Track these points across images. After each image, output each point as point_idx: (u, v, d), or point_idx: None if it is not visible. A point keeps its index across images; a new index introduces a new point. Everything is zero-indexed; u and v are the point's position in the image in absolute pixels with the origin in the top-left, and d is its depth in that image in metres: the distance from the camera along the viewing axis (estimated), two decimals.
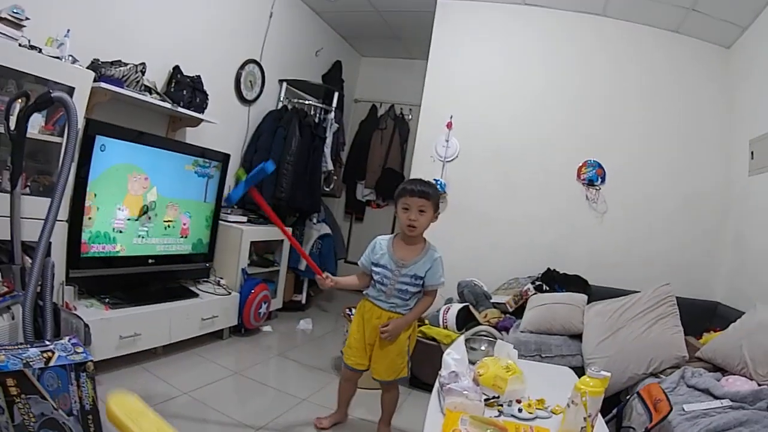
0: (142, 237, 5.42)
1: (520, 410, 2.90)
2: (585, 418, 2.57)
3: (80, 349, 3.01)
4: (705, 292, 5.91)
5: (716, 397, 3.55)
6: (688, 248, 6.30)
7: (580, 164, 6.62)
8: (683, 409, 3.41)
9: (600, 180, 6.52)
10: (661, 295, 4.94)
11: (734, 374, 3.94)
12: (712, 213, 6.26)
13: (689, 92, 6.39)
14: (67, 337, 3.12)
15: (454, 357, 3.21)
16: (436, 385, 3.15)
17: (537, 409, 2.96)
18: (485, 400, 2.95)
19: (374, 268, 4.10)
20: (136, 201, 5.18)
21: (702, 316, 5.41)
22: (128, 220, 5.21)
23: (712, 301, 5.77)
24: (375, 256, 4.10)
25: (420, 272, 4.03)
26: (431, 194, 4.01)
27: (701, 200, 6.29)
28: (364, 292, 4.24)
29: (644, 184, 6.45)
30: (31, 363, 2.73)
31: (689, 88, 6.39)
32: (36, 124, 4.05)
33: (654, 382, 3.81)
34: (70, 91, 4.05)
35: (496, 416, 2.85)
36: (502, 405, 2.96)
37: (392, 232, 4.22)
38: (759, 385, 3.65)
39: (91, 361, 2.98)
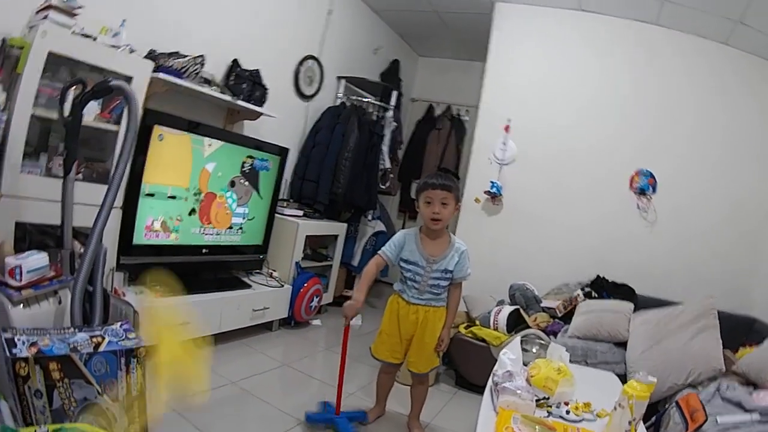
0: (194, 228, 5.51)
1: (567, 412, 3.00)
2: (630, 422, 2.67)
3: (132, 335, 3.01)
4: (744, 305, 5.90)
5: (747, 410, 3.61)
6: (731, 260, 6.31)
7: (633, 173, 6.65)
8: (716, 421, 3.48)
9: (651, 189, 6.54)
10: (705, 308, 4.97)
11: (766, 388, 3.99)
12: (754, 224, 6.29)
13: (734, 103, 6.38)
14: (119, 323, 3.13)
15: (510, 357, 3.33)
16: (490, 383, 3.24)
17: (584, 411, 3.05)
18: (536, 400, 3.04)
19: (404, 265, 4.14)
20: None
21: (739, 331, 5.40)
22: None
23: (750, 316, 5.74)
24: (404, 253, 4.13)
25: (450, 266, 4.10)
26: (452, 187, 4.04)
27: (743, 212, 6.32)
28: (396, 289, 4.27)
29: (692, 195, 6.47)
30: (78, 348, 2.70)
31: (734, 99, 6.39)
32: (91, 112, 4.12)
33: (692, 393, 3.92)
34: (128, 80, 4.15)
35: (545, 416, 2.95)
36: (551, 406, 3.06)
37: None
38: None
39: (144, 347, 2.99)
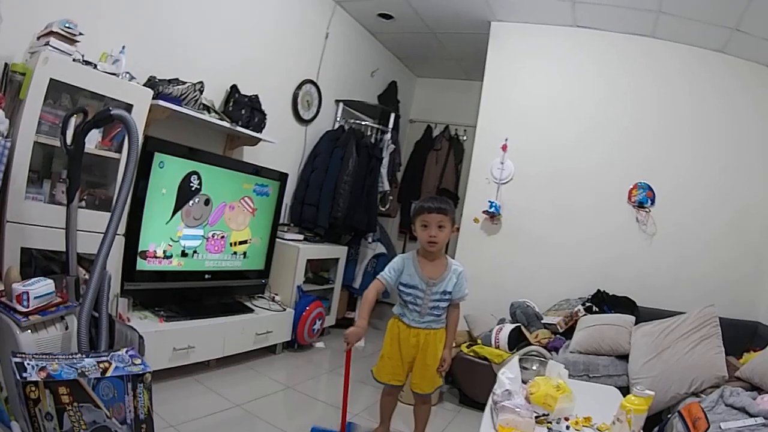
0: (199, 253, 5.54)
1: (567, 427, 3.02)
2: None
3: (138, 361, 3.05)
4: (748, 312, 5.95)
5: (751, 415, 3.61)
6: (733, 268, 6.31)
7: (631, 186, 6.66)
8: (720, 427, 3.49)
9: (650, 202, 6.55)
10: (705, 317, 5.02)
11: None
12: (758, 233, 6.29)
13: (734, 111, 6.40)
14: (125, 349, 3.17)
15: (508, 376, 3.32)
16: (489, 402, 3.25)
17: (584, 426, 3.07)
18: (535, 417, 3.04)
19: (404, 289, 4.14)
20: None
21: (743, 336, 5.47)
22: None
23: (754, 321, 5.80)
24: (404, 277, 4.13)
25: (449, 287, 4.13)
26: (448, 210, 4.07)
27: (746, 221, 6.32)
28: (396, 313, 4.27)
29: (692, 205, 6.48)
30: (86, 373, 2.76)
31: (734, 107, 6.41)
32: (93, 140, 4.15)
33: (695, 402, 3.91)
34: (128, 108, 4.18)
35: None
36: (551, 422, 3.07)
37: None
38: None
39: (150, 372, 3.04)
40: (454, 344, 4.52)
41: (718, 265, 6.35)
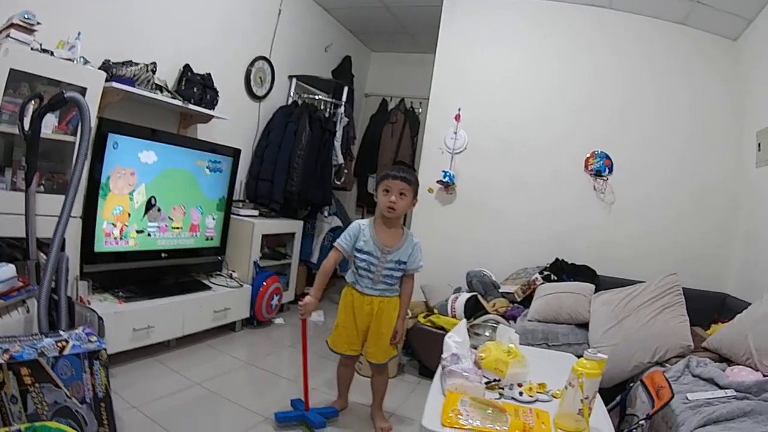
0: (153, 233, 5.50)
1: (521, 393, 2.95)
2: (582, 400, 2.60)
3: (94, 338, 3.05)
4: (715, 284, 5.88)
5: (721, 387, 3.54)
6: (698, 240, 6.25)
7: (588, 155, 6.59)
8: (687, 398, 3.41)
9: (608, 171, 6.49)
10: (668, 285, 4.94)
11: (739, 364, 3.94)
12: (722, 205, 6.21)
13: (697, 84, 6.33)
14: (81, 327, 3.17)
15: (455, 340, 3.25)
16: (439, 368, 3.20)
17: (538, 392, 3.00)
18: (486, 382, 3.01)
19: (358, 255, 4.15)
20: (122, 200, 5.13)
21: (710, 308, 5.41)
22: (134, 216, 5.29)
23: (721, 292, 5.74)
24: (359, 242, 4.14)
25: (403, 257, 4.16)
26: (412, 181, 4.14)
27: (711, 192, 6.24)
28: (349, 281, 4.28)
29: (652, 175, 6.41)
30: (45, 352, 2.77)
31: (697, 80, 6.33)
32: (49, 125, 4.15)
33: (657, 370, 3.78)
34: (83, 91, 4.14)
35: (496, 398, 2.90)
36: (503, 388, 3.01)
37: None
38: (764, 375, 3.64)
39: (104, 349, 3.02)
40: (410, 315, 4.56)
41: (683, 238, 6.31)
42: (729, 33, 6.20)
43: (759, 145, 5.57)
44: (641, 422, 3.13)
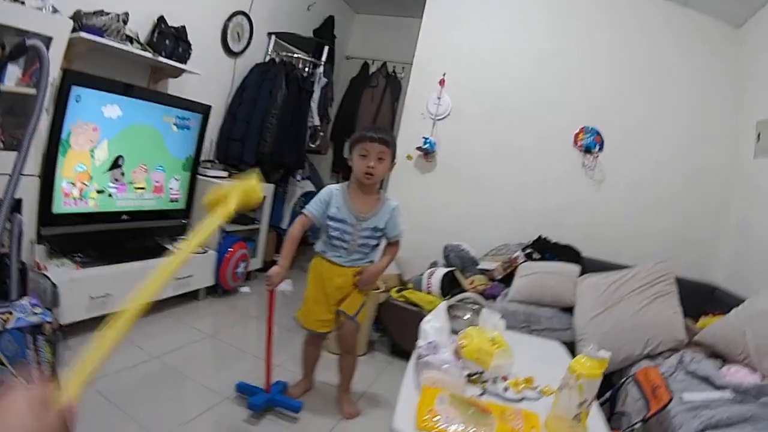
0: (112, 194, 5.20)
1: (506, 389, 2.65)
2: (580, 404, 2.30)
3: (39, 310, 2.82)
4: (704, 274, 5.69)
5: (717, 388, 3.35)
6: (689, 226, 6.10)
7: (577, 130, 6.37)
8: (682, 399, 3.21)
9: (598, 147, 6.28)
10: (660, 272, 4.78)
11: (736, 363, 3.75)
12: (717, 193, 6.04)
13: (696, 68, 6.15)
14: (27, 297, 2.90)
15: (433, 325, 2.92)
16: (413, 356, 2.88)
17: (525, 388, 2.70)
18: (467, 375, 2.70)
19: (331, 223, 3.90)
20: (83, 157, 4.82)
21: (699, 299, 5.18)
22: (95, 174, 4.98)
23: (711, 283, 5.54)
24: (331, 209, 3.89)
25: (380, 224, 3.93)
26: (391, 142, 3.88)
27: (705, 179, 6.08)
28: (318, 250, 4.04)
29: (646, 156, 6.23)
30: None
31: (697, 63, 6.15)
32: (12, 77, 3.92)
33: (651, 366, 3.55)
34: (48, 41, 3.92)
35: (479, 395, 2.59)
36: (486, 382, 2.70)
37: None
38: (763, 377, 3.46)
39: (48, 322, 2.76)
40: (382, 288, 4.67)
41: (672, 222, 6.14)
42: (733, 19, 6.01)
43: (758, 135, 5.39)
44: (636, 425, 2.87)
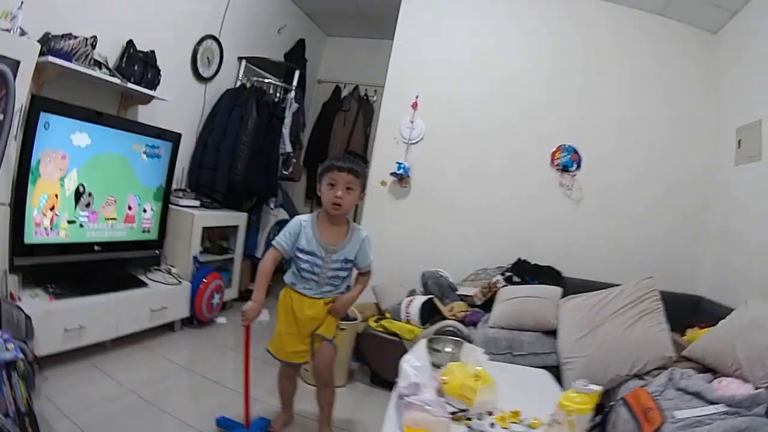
0: (83, 224, 5.09)
1: (492, 425, 2.58)
2: None
3: (11, 346, 2.73)
4: (688, 286, 5.70)
5: (709, 402, 3.24)
6: (670, 239, 6.10)
7: (554, 149, 6.34)
8: (674, 416, 3.10)
9: (575, 166, 6.26)
10: (644, 289, 4.73)
11: (727, 375, 3.67)
12: (696, 203, 6.07)
13: (673, 77, 6.18)
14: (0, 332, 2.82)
15: (413, 364, 2.83)
16: (393, 396, 2.80)
17: (511, 422, 2.63)
18: (452, 413, 2.60)
19: (300, 255, 3.82)
20: (53, 186, 4.71)
21: (685, 311, 5.20)
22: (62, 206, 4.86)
23: (695, 295, 5.57)
24: (300, 241, 3.81)
25: (350, 255, 3.88)
26: (360, 173, 3.82)
27: (685, 190, 6.11)
28: (288, 282, 3.94)
29: (624, 171, 6.24)
30: None
31: (673, 73, 6.19)
32: None
33: (640, 387, 3.53)
34: (16, 64, 3.83)
35: None
36: (471, 419, 2.62)
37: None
38: (756, 388, 3.36)
39: (22, 359, 2.67)
40: (360, 318, 4.77)
41: (653, 235, 6.16)
42: (709, 25, 6.07)
43: (739, 141, 5.40)
44: None
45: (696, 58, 6.12)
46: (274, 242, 3.88)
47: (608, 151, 6.26)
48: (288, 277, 3.93)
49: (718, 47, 6.06)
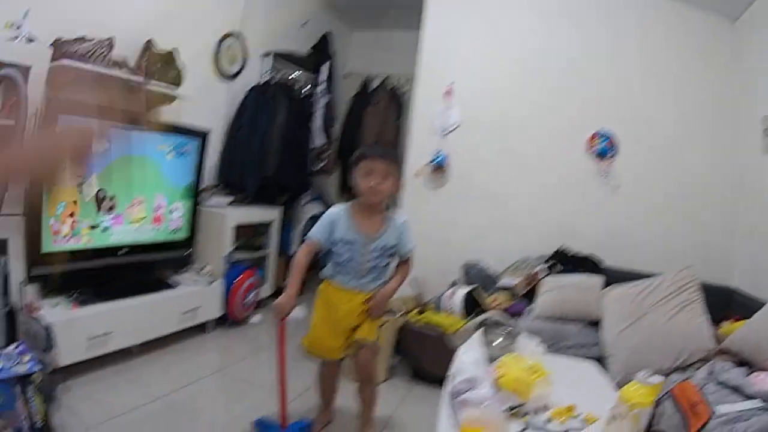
0: (107, 228, 4.97)
1: (548, 421, 2.47)
2: None
3: (26, 358, 2.62)
4: (722, 277, 5.57)
5: (747, 397, 3.16)
6: (705, 229, 5.97)
7: (590, 135, 6.23)
8: (716, 412, 3.01)
9: (611, 153, 6.15)
10: (684, 280, 4.64)
11: (763, 369, 3.55)
12: (728, 193, 5.92)
13: (697, 64, 6.04)
14: (14, 345, 2.69)
15: (469, 357, 2.71)
16: (447, 392, 2.68)
17: (568, 418, 2.52)
18: (507, 408, 2.51)
19: (338, 247, 3.76)
20: (70, 193, 4.56)
21: (719, 303, 5.01)
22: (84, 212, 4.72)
23: (728, 287, 5.43)
24: (337, 232, 3.73)
25: (390, 242, 3.80)
26: (394, 158, 3.80)
27: (716, 179, 5.97)
28: (327, 276, 3.89)
29: (656, 158, 6.11)
30: None
31: (697, 59, 6.05)
32: None
33: (686, 381, 3.44)
34: (27, 70, 3.78)
35: (522, 431, 2.42)
36: (527, 415, 2.52)
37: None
38: None
39: (39, 371, 2.55)
40: (400, 312, 4.62)
41: (687, 226, 6.02)
42: (729, 12, 5.93)
43: (765, 130, 5.28)
44: None
45: (718, 44, 6.00)
46: (309, 235, 3.81)
47: (641, 139, 6.14)
48: (326, 271, 3.88)
49: (739, 35, 5.93)
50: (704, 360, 3.98)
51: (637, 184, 6.12)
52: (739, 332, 4.06)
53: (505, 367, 2.69)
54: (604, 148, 6.11)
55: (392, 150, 3.71)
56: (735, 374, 3.41)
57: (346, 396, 4.26)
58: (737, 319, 4.43)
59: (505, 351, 3.17)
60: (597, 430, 2.36)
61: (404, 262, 3.93)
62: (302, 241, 6.78)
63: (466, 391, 2.46)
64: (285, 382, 3.80)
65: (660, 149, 6.06)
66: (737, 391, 3.22)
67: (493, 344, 3.47)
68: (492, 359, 2.91)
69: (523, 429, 2.41)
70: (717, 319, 4.66)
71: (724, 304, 5.08)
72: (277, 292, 6.54)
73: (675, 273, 4.71)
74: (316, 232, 3.75)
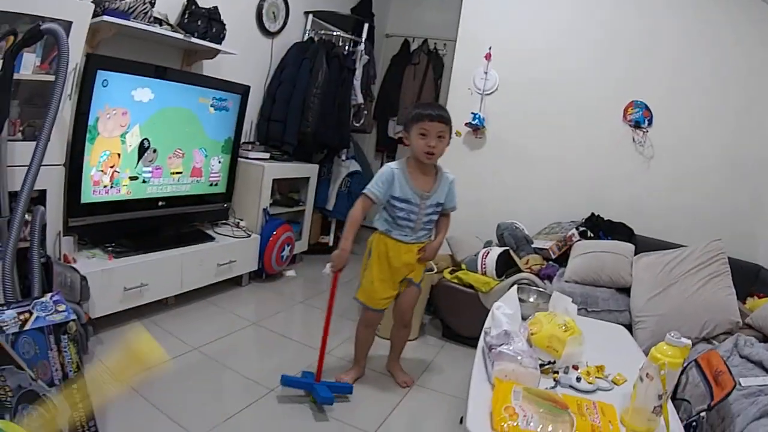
0: (147, 180, 5.04)
1: (578, 379, 2.54)
2: (661, 396, 2.18)
3: (62, 307, 2.68)
4: (748, 253, 5.57)
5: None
6: (733, 201, 5.94)
7: (627, 104, 6.20)
8: (739, 384, 3.07)
9: (647, 123, 6.12)
10: (713, 251, 4.65)
11: None
12: (759, 169, 5.87)
13: (733, 36, 5.92)
14: (49, 294, 2.73)
15: (505, 312, 2.80)
16: (482, 345, 2.76)
17: (597, 378, 2.60)
18: (540, 365, 2.56)
19: (395, 203, 3.86)
20: (113, 143, 4.61)
21: (745, 279, 5.06)
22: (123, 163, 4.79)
23: (755, 263, 5.44)
24: (395, 189, 3.83)
25: (441, 199, 3.96)
26: (449, 119, 3.82)
27: (748, 152, 5.90)
28: (383, 229, 3.98)
29: (690, 130, 6.06)
30: (4, 328, 2.42)
31: (733, 31, 5.92)
32: (29, 65, 3.75)
33: (712, 350, 3.43)
34: (68, 26, 3.74)
35: (551, 387, 2.49)
36: (557, 372, 2.60)
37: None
38: None
39: (74, 320, 2.63)
40: (435, 270, 4.82)
41: (716, 197, 5.98)
42: None
43: None
44: (702, 413, 2.73)
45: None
46: (365, 191, 3.88)
47: (676, 110, 6.09)
48: (381, 225, 3.98)
49: None
50: (729, 333, 4.06)
51: (670, 156, 6.10)
52: (764, 308, 4.12)
53: (538, 324, 2.76)
54: (641, 118, 6.09)
55: (446, 110, 3.71)
56: (759, 349, 3.49)
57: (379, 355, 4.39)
58: (762, 296, 4.54)
59: (537, 308, 3.21)
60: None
61: (446, 216, 4.07)
62: (339, 198, 6.82)
63: (502, 345, 2.52)
64: (327, 334, 3.92)
65: (694, 121, 6.02)
66: (761, 366, 3.31)
67: (525, 302, 3.51)
68: (525, 317, 2.96)
69: (554, 385, 2.48)
70: (742, 294, 4.71)
71: (751, 280, 5.13)
72: (312, 247, 6.60)
73: (705, 244, 4.72)
74: (374, 188, 3.82)
